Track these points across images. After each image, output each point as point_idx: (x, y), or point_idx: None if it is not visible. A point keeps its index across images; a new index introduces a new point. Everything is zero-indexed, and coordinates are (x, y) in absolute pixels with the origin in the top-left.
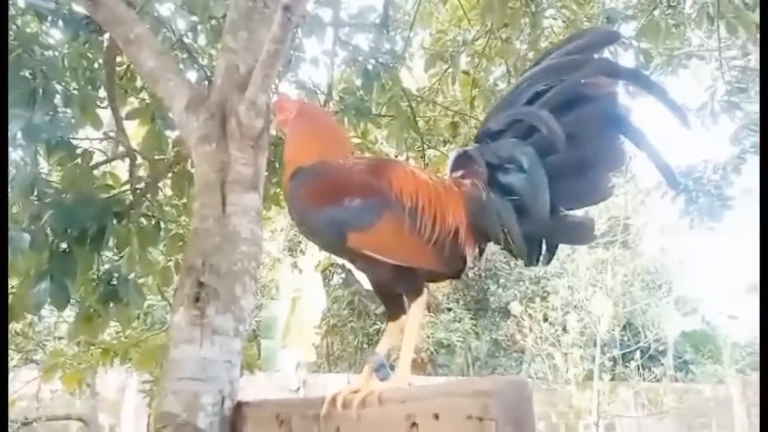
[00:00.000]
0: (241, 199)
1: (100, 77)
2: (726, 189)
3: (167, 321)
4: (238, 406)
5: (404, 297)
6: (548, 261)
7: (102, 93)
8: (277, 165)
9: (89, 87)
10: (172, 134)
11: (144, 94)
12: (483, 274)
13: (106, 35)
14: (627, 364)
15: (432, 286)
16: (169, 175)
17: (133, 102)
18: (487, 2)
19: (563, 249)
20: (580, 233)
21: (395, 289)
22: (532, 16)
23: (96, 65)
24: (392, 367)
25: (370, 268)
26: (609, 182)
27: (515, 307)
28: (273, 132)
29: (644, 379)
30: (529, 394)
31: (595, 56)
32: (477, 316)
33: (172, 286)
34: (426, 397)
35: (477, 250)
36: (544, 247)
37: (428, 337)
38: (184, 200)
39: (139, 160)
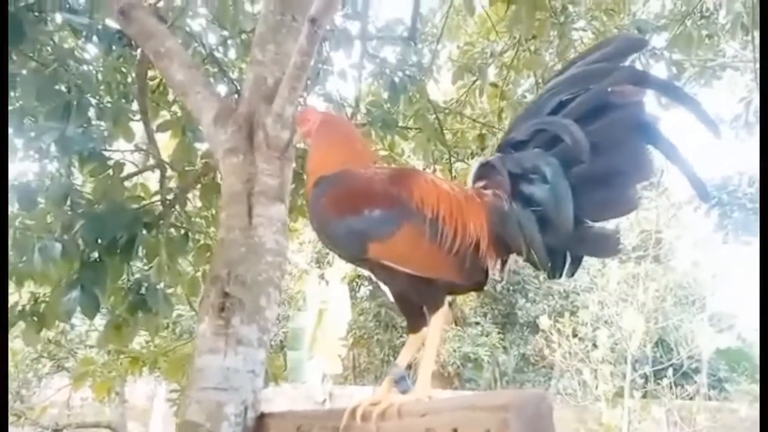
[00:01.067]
0: (267, 210)
1: (133, 91)
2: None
3: (195, 331)
4: (261, 417)
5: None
6: (572, 273)
7: (134, 106)
8: (304, 177)
9: (122, 100)
10: (201, 146)
11: (175, 107)
12: (511, 288)
13: (139, 50)
14: (659, 381)
15: (459, 299)
16: (198, 186)
17: (165, 115)
18: (515, 13)
19: (594, 263)
20: (605, 245)
21: (415, 301)
22: (560, 27)
23: (129, 79)
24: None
25: (390, 279)
26: (636, 194)
27: (544, 322)
28: (300, 144)
29: (677, 397)
30: (548, 408)
31: (622, 64)
32: (505, 331)
33: (200, 296)
34: (445, 410)
35: (499, 262)
36: (568, 259)
37: (455, 350)
38: (213, 211)
39: (169, 171)
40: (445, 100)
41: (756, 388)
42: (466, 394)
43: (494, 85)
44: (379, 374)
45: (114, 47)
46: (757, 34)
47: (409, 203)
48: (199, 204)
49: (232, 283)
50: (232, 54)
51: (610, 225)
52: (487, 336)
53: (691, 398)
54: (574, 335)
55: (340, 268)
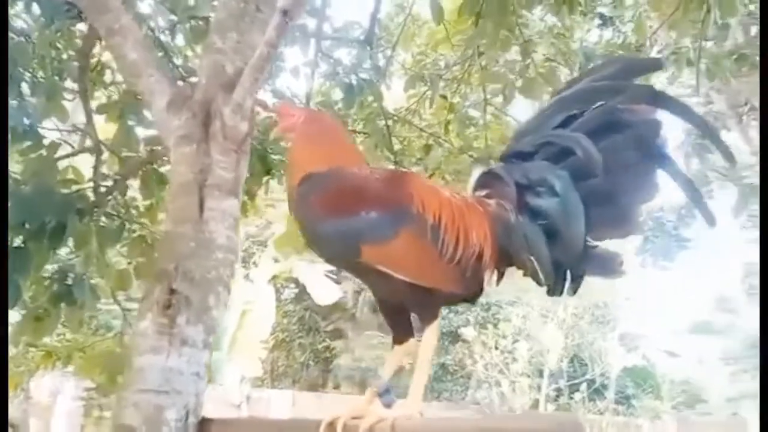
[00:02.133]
0: (220, 204)
1: (69, 68)
2: (683, 230)
3: (113, 326)
4: (203, 423)
5: (413, 319)
6: (573, 292)
7: (69, 84)
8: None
9: (56, 77)
10: (142, 132)
11: (113, 89)
12: None
13: (80, 26)
14: (572, 395)
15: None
16: (139, 174)
17: (100, 97)
18: (481, 27)
19: (519, 278)
20: (609, 265)
21: (409, 310)
22: (524, 45)
23: (65, 56)
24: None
25: (382, 286)
26: (640, 215)
27: (469, 333)
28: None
29: (589, 411)
30: None
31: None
32: None
33: (130, 290)
34: (452, 430)
35: (497, 274)
36: (568, 277)
37: (377, 357)
38: (153, 201)
39: (107, 156)
40: (395, 108)
41: (659, 404)
42: (472, 417)
43: (444, 96)
44: (298, 378)
45: (55, 20)
46: (703, 66)
47: (409, 207)
48: (138, 193)
49: (179, 279)
50: (180, 40)
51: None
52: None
53: (601, 413)
54: (496, 347)
55: (267, 269)
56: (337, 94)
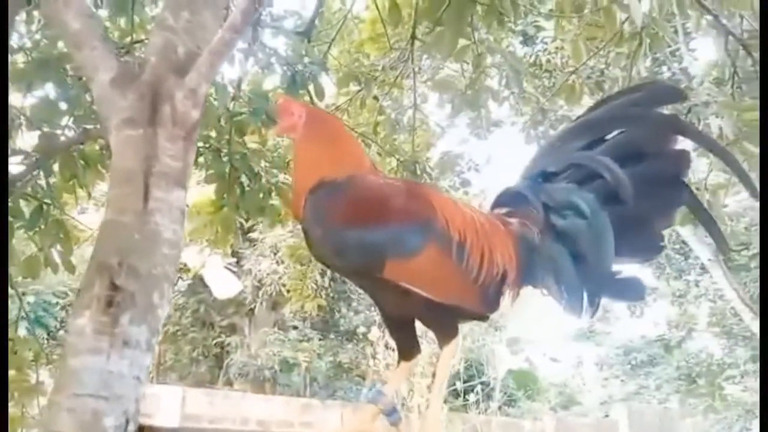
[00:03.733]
0: (167, 195)
1: None
2: None
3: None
4: (142, 431)
5: (423, 337)
6: (593, 314)
7: None
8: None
9: None
10: (65, 106)
11: (18, 56)
12: (336, 296)
13: None
14: (467, 396)
15: (280, 301)
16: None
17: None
18: (439, 35)
19: None
20: (632, 290)
21: (428, 327)
22: (476, 58)
23: None
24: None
25: (399, 302)
26: (661, 239)
27: (374, 333)
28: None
29: (481, 413)
30: None
31: (662, 111)
32: (324, 337)
33: (38, 279)
34: None
35: (515, 293)
36: (586, 298)
37: (274, 354)
38: (72, 183)
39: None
40: (326, 104)
41: (539, 406)
42: None
43: (375, 98)
44: (186, 374)
45: None
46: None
47: (434, 222)
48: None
49: (123, 274)
50: (102, 12)
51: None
52: (308, 341)
53: (491, 414)
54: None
55: None
56: (268, 84)
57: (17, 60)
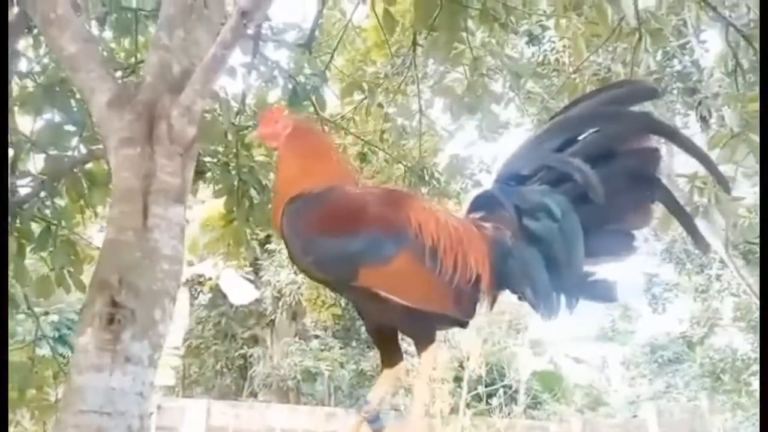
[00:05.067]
0: (166, 212)
1: None
2: None
3: (17, 333)
4: None
5: (403, 344)
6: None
7: None
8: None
9: None
10: (71, 128)
11: (28, 81)
12: (351, 304)
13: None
14: (489, 400)
15: (300, 311)
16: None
17: (12, 87)
18: (433, 40)
19: None
20: (604, 291)
21: (404, 334)
22: (473, 62)
23: None
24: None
25: (377, 310)
26: (634, 239)
27: None
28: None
29: (506, 416)
30: None
31: (633, 109)
32: (345, 345)
33: (50, 299)
34: None
35: (492, 298)
36: (563, 301)
37: (296, 364)
38: (80, 204)
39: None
40: (331, 114)
41: (565, 408)
42: None
43: (380, 105)
44: (211, 387)
45: None
46: None
47: (407, 228)
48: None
49: (123, 291)
50: (107, 34)
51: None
52: (329, 350)
53: (515, 417)
54: (415, 354)
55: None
56: (272, 97)
57: (27, 85)
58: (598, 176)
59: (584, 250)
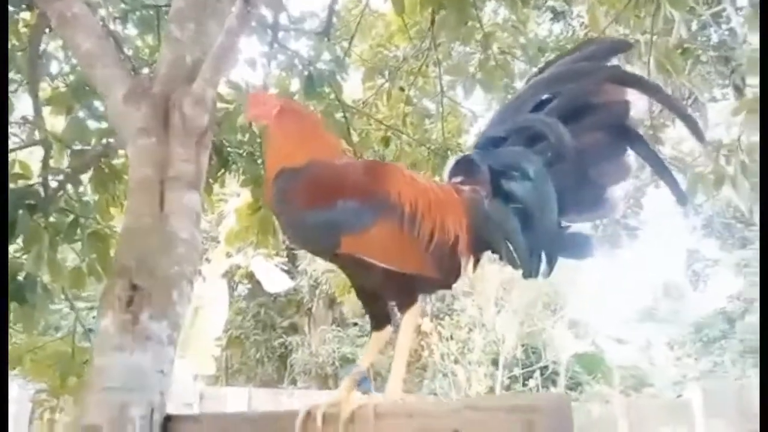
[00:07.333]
0: (181, 198)
1: (13, 59)
2: (630, 218)
3: (62, 327)
4: (167, 420)
5: (393, 306)
6: (548, 274)
7: (12, 75)
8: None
9: None
10: (95, 124)
11: (58, 82)
12: None
13: (23, 14)
14: (526, 382)
15: (336, 299)
16: (92, 169)
17: (45, 88)
18: (443, 19)
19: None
20: (580, 247)
21: (386, 297)
22: (484, 38)
23: (9, 46)
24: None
25: (361, 274)
26: (615, 195)
27: (426, 324)
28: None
29: None
30: (570, 412)
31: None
32: None
33: (83, 289)
34: (439, 411)
35: (473, 259)
36: (543, 259)
37: (334, 351)
38: (106, 197)
39: (56, 149)
40: (353, 100)
41: (607, 390)
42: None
43: (401, 89)
44: (253, 375)
45: None
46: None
47: (386, 196)
48: (89, 188)
49: (141, 274)
50: (131, 30)
51: (581, 226)
52: (367, 336)
53: None
54: (451, 337)
55: (220, 265)
56: (294, 86)
57: (58, 86)
58: (574, 132)
59: (565, 207)
